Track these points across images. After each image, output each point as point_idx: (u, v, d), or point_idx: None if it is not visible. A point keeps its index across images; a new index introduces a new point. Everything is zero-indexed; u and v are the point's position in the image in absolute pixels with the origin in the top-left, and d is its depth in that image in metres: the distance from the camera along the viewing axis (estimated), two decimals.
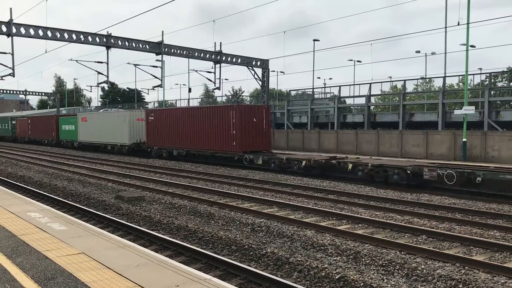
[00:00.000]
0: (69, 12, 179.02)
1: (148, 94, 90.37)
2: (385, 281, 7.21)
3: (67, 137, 44.33)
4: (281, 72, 70.18)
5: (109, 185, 17.95)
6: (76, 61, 39.37)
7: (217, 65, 35.74)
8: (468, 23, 21.68)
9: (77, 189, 17.25)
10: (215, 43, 35.80)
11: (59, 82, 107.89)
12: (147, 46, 32.70)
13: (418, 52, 55.21)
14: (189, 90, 49.36)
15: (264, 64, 37.61)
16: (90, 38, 30.10)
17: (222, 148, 25.44)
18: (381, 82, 58.95)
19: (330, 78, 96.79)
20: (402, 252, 8.68)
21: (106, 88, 76.40)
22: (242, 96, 78.47)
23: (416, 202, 13.98)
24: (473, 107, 23.20)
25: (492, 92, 31.18)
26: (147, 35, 71.90)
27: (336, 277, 7.35)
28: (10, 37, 27.35)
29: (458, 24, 21.23)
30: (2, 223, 8.50)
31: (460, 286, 7.02)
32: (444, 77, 33.93)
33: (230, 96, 78.49)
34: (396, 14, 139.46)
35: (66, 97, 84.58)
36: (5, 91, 72.89)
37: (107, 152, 36.50)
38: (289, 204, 13.56)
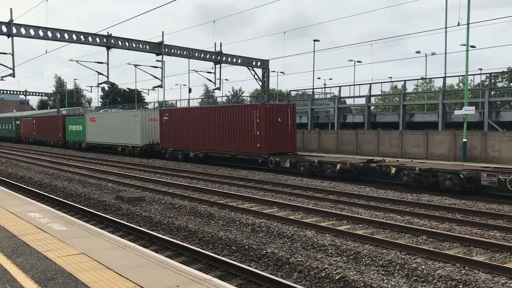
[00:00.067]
0: (69, 13, 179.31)
1: (148, 94, 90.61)
2: (385, 282, 7.21)
3: (74, 138, 42.91)
4: (281, 72, 70.22)
5: (109, 186, 17.96)
6: (76, 61, 39.32)
7: (217, 66, 35.74)
8: (468, 24, 21.69)
9: (77, 189, 17.26)
10: (215, 43, 35.80)
11: (59, 83, 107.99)
12: (147, 46, 32.71)
13: (418, 52, 55.27)
14: (189, 90, 49.42)
15: (264, 64, 37.61)
16: (90, 39, 30.11)
17: (244, 150, 24.00)
18: (381, 82, 59.24)
19: (330, 79, 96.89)
20: (402, 253, 8.67)
21: (106, 88, 76.47)
22: (242, 96, 78.57)
23: (416, 202, 13.98)
24: (473, 108, 23.19)
25: (492, 92, 31.20)
26: (147, 36, 71.91)
27: (336, 278, 7.35)
28: (10, 38, 27.35)
29: (458, 25, 21.26)
30: (3, 223, 8.50)
31: (461, 286, 7.02)
32: (444, 78, 33.94)
33: (230, 97, 78.58)
34: (396, 15, 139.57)
35: (66, 97, 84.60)
36: (5, 92, 72.91)
37: (117, 153, 35.28)
38: (289, 204, 13.56)
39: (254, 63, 37.23)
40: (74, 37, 29.62)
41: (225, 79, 56.85)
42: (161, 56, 33.53)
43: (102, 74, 34.37)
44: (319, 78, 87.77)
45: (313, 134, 31.10)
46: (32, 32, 28.09)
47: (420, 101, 37.83)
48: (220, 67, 35.91)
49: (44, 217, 9.12)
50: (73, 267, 5.89)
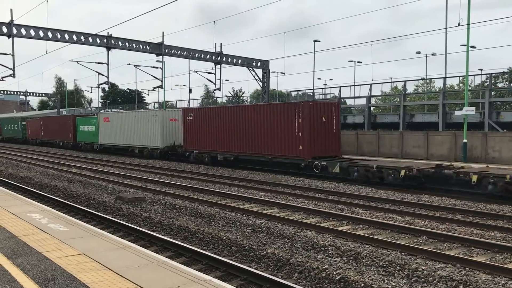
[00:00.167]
0: (70, 13, 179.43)
1: (148, 95, 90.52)
2: (385, 282, 7.20)
3: (85, 139, 40.26)
4: (281, 73, 70.50)
5: (110, 186, 17.95)
6: (77, 62, 39.49)
7: (218, 66, 35.82)
8: (468, 24, 21.70)
9: (78, 190, 17.26)
10: (215, 44, 35.95)
11: (60, 83, 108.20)
12: (147, 47, 32.76)
13: (418, 52, 55.34)
14: (190, 91, 49.58)
15: (264, 65, 37.65)
16: (90, 39, 30.16)
17: (284, 153, 21.64)
18: (382, 83, 59.33)
19: (331, 79, 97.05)
20: (403, 253, 8.66)
21: (107, 89, 76.69)
22: (243, 97, 78.62)
23: (416, 203, 13.97)
24: (474, 108, 23.20)
25: (492, 93, 31.24)
26: (148, 36, 72.00)
27: (337, 278, 7.35)
28: (10, 38, 27.42)
29: (459, 25, 21.30)
30: (3, 224, 8.50)
31: (461, 287, 7.01)
32: (445, 78, 34.02)
33: (231, 97, 78.64)
34: (396, 15, 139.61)
35: (67, 98, 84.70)
36: (5, 92, 73.00)
37: (134, 156, 33.14)
38: (289, 205, 13.55)
39: (254, 63, 37.26)
40: (74, 37, 29.67)
41: (225, 80, 57.17)
42: (161, 56, 33.60)
43: (102, 75, 34.51)
44: (320, 78, 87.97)
45: None
46: (32, 32, 28.14)
47: (421, 102, 37.88)
48: (220, 68, 36.01)
49: (45, 218, 9.12)
50: (74, 267, 5.88)
